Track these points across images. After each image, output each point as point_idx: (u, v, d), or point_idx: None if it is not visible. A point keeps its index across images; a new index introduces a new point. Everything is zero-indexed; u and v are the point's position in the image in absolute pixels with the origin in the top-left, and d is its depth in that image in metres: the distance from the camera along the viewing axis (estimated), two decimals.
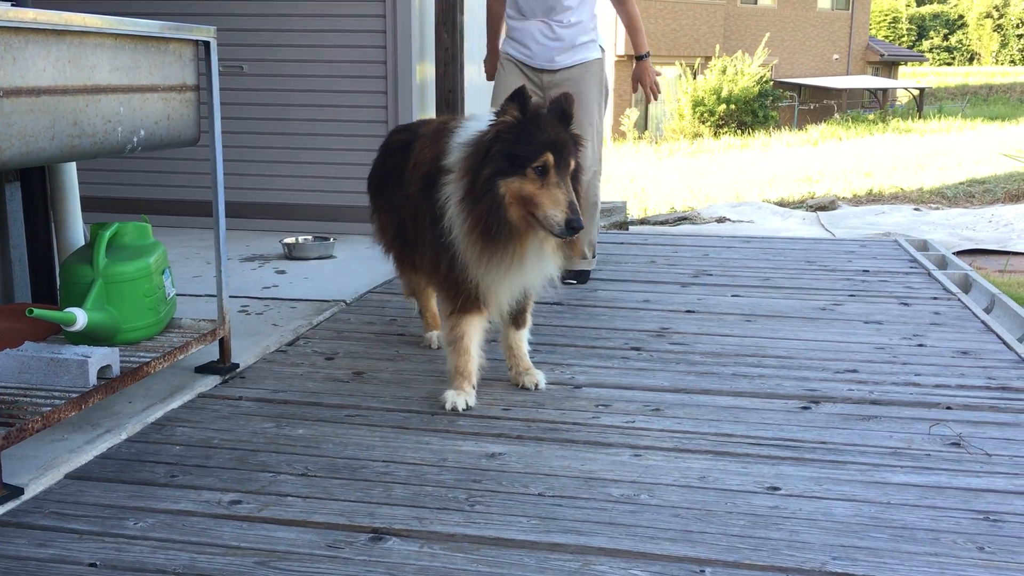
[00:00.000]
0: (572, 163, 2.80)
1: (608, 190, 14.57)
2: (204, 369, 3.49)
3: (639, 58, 5.13)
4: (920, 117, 30.25)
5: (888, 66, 36.92)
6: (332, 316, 4.44)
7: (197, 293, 4.65)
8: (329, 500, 2.46)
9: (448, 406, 3.08)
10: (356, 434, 2.93)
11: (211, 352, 3.54)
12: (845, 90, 31.77)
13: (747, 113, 26.99)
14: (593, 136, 4.85)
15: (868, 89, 33.27)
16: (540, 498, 2.46)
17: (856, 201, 13.61)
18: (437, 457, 2.74)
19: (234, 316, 4.24)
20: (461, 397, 3.11)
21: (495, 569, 2.12)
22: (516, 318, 3.32)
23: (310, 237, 5.97)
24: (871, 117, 29.24)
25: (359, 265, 5.52)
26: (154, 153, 5.64)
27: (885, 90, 33.79)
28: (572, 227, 2.70)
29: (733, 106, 26.56)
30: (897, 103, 35.00)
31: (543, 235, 2.82)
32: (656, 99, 5.39)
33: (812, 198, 13.75)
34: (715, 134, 26.13)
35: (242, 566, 2.11)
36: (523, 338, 3.36)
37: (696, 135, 26.41)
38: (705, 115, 26.70)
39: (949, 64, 63.74)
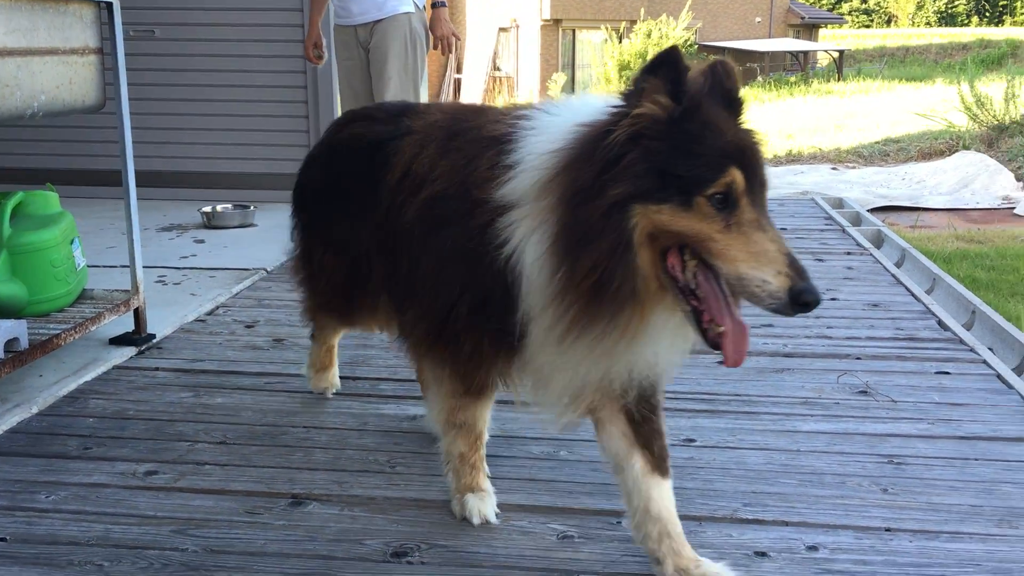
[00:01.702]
0: (767, 186, 1.81)
1: None
2: (119, 341, 3.41)
3: (432, 6, 4.96)
4: (840, 79, 30.84)
5: (809, 28, 37.48)
6: (252, 284, 4.37)
7: (112, 264, 4.53)
8: (248, 467, 2.44)
9: (475, 518, 2.19)
10: (276, 401, 2.91)
11: (126, 323, 3.46)
12: (767, 53, 32.19)
13: None
14: (408, 95, 4.78)
15: (790, 52, 33.76)
16: None
17: (776, 162, 13.85)
18: (358, 421, 2.74)
19: (150, 286, 4.15)
20: (486, 502, 2.23)
21: (416, 529, 2.13)
22: (646, 439, 2.09)
23: (229, 205, 5.86)
24: (793, 79, 29.72)
25: (281, 233, 5.41)
26: (63, 121, 5.47)
27: (806, 53, 34.32)
28: (804, 302, 1.66)
29: None
30: (818, 65, 35.63)
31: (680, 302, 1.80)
32: (448, 53, 5.16)
33: None
34: None
35: (158, 535, 2.09)
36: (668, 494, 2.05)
37: None
38: (631, 79, 26.83)
39: (868, 27, 65.04)
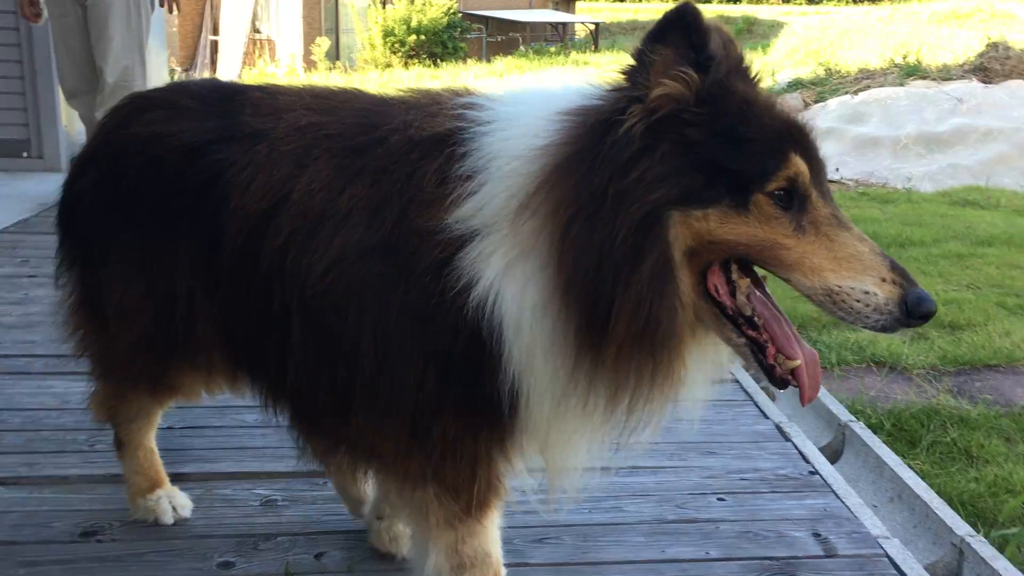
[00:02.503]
0: (827, 174, 1.51)
1: None
2: None
3: None
4: (596, 50, 32.20)
5: (567, 1, 38.76)
6: None
7: None
8: None
9: None
10: None
11: None
12: (529, 23, 33.01)
13: (437, 44, 27.31)
14: (133, 57, 4.64)
15: (550, 23, 34.80)
16: (170, 431, 2.42)
17: None
18: (59, 400, 2.60)
19: None
20: None
21: (109, 507, 2.07)
22: None
23: None
24: (553, 50, 30.68)
25: None
26: None
27: (565, 24, 35.50)
28: (924, 312, 1.36)
29: (423, 37, 26.74)
30: (576, 37, 36.95)
31: (716, 338, 1.48)
32: (175, 11, 5.04)
33: None
34: (406, 65, 26.24)
35: None
36: None
37: (388, 66, 26.36)
38: (396, 45, 26.69)
39: (622, 0, 68.16)
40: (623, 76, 1.38)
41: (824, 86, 11.46)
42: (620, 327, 1.32)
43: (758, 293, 1.43)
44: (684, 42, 1.33)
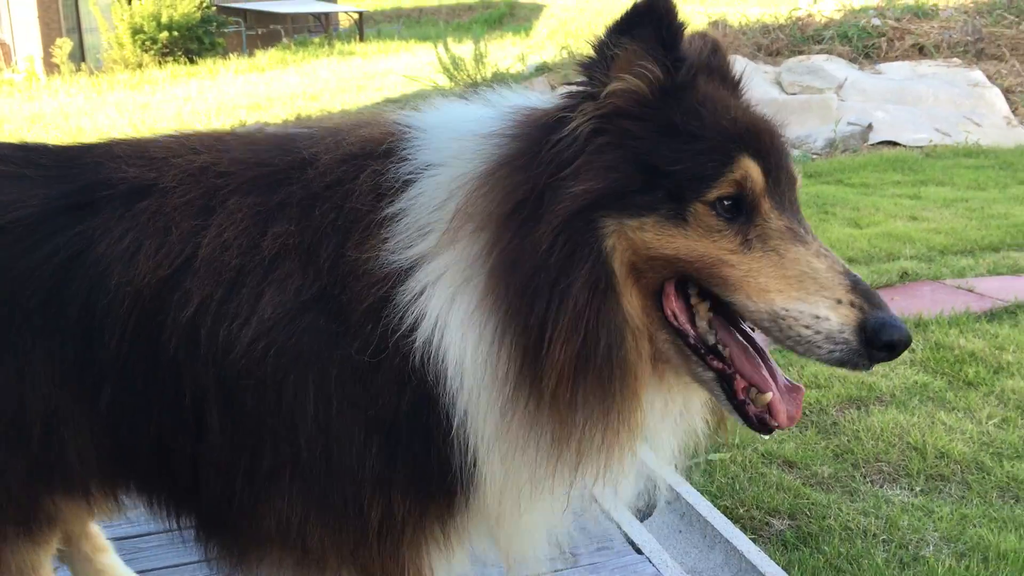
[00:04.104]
0: (798, 181, 1.30)
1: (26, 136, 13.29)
2: None
3: None
4: (361, 40, 31.92)
5: None
6: None
7: None
8: None
9: None
10: None
11: None
12: (290, 15, 32.22)
13: (192, 40, 26.13)
14: None
15: (312, 13, 34.12)
16: None
17: (285, 126, 14.08)
18: None
19: None
20: None
21: None
22: None
23: None
24: (316, 41, 30.14)
25: None
26: None
27: (327, 14, 34.92)
28: (887, 342, 1.15)
29: (176, 33, 25.49)
30: (341, 27, 36.47)
31: (686, 378, 1.28)
32: None
33: (242, 126, 13.95)
34: (160, 64, 24.95)
35: None
36: None
37: (139, 65, 24.97)
38: (147, 43, 25.29)
39: None
40: (583, 71, 1.26)
41: (569, 69, 12.03)
42: (556, 349, 1.11)
43: (724, 319, 1.22)
44: (654, 38, 1.19)
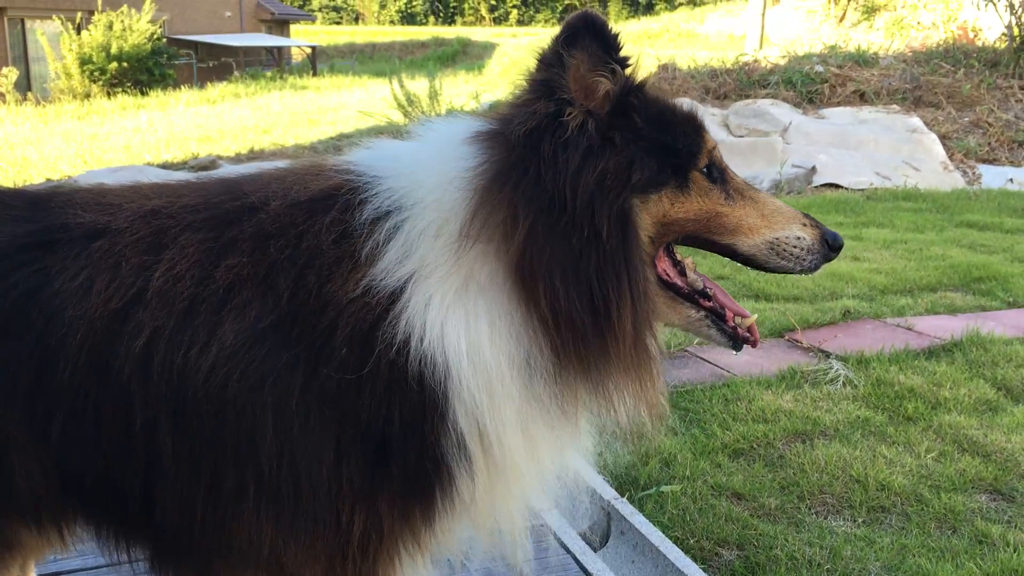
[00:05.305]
0: None
1: None
2: None
3: None
4: (314, 75, 31.98)
5: (281, 24, 38.16)
6: None
7: None
8: None
9: None
10: None
11: None
12: (242, 48, 32.18)
13: (142, 71, 25.94)
14: None
15: (265, 47, 34.11)
16: None
17: (238, 159, 14.00)
18: None
19: None
20: None
21: None
22: None
23: None
24: (269, 75, 30.11)
25: None
26: None
27: (280, 48, 34.96)
28: (839, 244, 1.58)
29: (126, 64, 25.29)
30: (293, 61, 36.50)
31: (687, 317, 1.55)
32: None
33: (195, 158, 13.84)
34: (108, 94, 24.70)
35: None
36: None
37: (87, 96, 24.70)
38: (96, 74, 25.04)
39: (338, 23, 68.10)
40: (531, 84, 1.42)
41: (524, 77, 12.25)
42: (625, 323, 1.32)
43: (697, 271, 1.55)
44: (598, 45, 1.37)
